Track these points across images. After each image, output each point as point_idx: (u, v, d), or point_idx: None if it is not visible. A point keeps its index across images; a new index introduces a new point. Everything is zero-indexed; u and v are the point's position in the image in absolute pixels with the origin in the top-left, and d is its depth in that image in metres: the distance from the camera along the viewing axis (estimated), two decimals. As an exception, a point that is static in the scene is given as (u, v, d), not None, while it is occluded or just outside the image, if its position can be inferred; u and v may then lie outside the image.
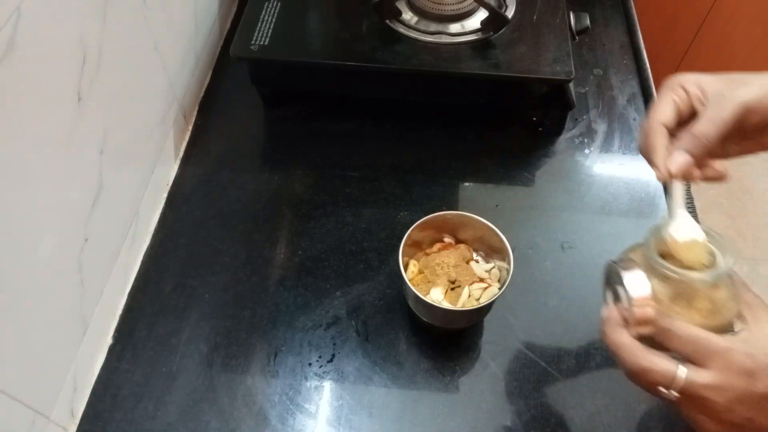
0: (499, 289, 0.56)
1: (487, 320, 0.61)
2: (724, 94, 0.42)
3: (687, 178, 0.44)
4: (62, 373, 0.53)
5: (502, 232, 0.56)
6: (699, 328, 0.38)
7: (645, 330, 0.40)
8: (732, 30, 1.49)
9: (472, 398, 0.57)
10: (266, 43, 0.70)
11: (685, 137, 0.43)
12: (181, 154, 0.75)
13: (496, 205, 0.70)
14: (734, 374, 0.37)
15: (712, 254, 0.42)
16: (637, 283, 0.40)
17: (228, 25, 0.89)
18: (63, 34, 0.48)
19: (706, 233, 0.42)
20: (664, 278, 0.41)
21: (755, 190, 1.69)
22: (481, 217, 0.57)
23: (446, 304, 0.55)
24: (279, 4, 0.74)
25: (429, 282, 0.57)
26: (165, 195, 0.71)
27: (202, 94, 0.81)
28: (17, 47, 0.42)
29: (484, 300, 0.56)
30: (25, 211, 0.45)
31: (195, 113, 0.79)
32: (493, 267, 0.59)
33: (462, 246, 0.60)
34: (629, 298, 0.40)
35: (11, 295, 0.44)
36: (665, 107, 0.44)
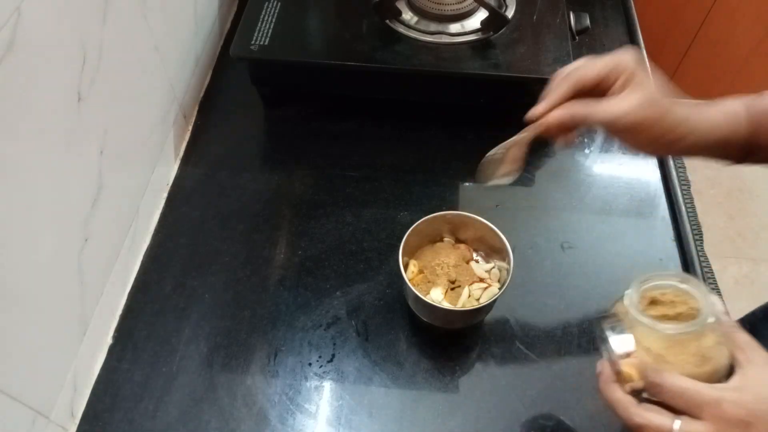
0: (499, 289, 0.56)
1: (487, 320, 0.61)
2: (649, 100, 0.45)
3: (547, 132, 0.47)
4: (62, 373, 0.53)
5: (502, 232, 0.56)
6: (688, 378, 0.38)
7: (636, 385, 0.40)
8: (732, 30, 1.49)
9: (472, 398, 0.57)
10: (266, 43, 0.70)
11: (585, 108, 0.46)
12: (181, 154, 0.75)
13: (496, 205, 0.70)
14: (728, 425, 0.37)
15: (696, 300, 0.42)
16: (620, 340, 0.41)
17: (228, 25, 0.89)
18: (63, 34, 0.48)
19: (687, 281, 0.43)
20: (652, 330, 0.41)
21: (755, 190, 1.69)
22: (481, 217, 0.57)
23: (446, 304, 0.55)
24: (279, 4, 0.74)
25: (429, 282, 0.57)
26: (165, 195, 0.71)
27: (202, 94, 0.81)
28: (17, 47, 0.42)
29: (484, 300, 0.56)
30: (25, 211, 0.45)
31: (195, 113, 0.79)
32: (493, 267, 0.59)
33: (462, 246, 0.60)
34: (614, 355, 0.41)
35: (11, 296, 0.44)
36: (595, 70, 0.46)
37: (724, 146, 0.48)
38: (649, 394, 0.40)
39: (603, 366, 0.42)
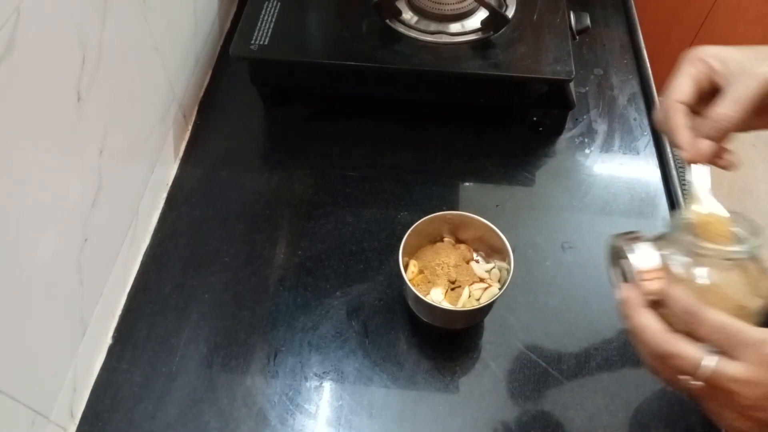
0: (500, 289, 0.56)
1: (487, 320, 0.61)
2: (747, 69, 0.40)
3: (710, 162, 0.42)
4: (62, 374, 0.53)
5: (502, 232, 0.56)
6: (730, 316, 0.35)
7: (665, 312, 0.36)
8: (732, 30, 1.49)
9: (472, 398, 0.57)
10: (266, 43, 0.70)
11: (708, 122, 0.41)
12: (181, 154, 0.75)
13: (496, 205, 0.70)
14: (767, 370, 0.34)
15: (740, 235, 0.38)
16: (643, 255, 0.36)
17: (228, 25, 0.89)
18: (63, 34, 0.48)
19: (734, 213, 0.40)
20: (693, 259, 0.37)
21: (755, 190, 1.69)
22: (481, 217, 0.57)
23: (446, 305, 0.55)
24: (279, 3, 0.74)
25: (429, 282, 0.57)
26: (165, 195, 0.71)
27: (201, 94, 0.81)
28: (17, 47, 0.42)
29: (485, 300, 0.56)
30: (25, 211, 0.45)
31: (195, 113, 0.79)
32: (494, 267, 0.59)
33: (462, 246, 0.60)
34: (636, 272, 0.36)
35: (11, 295, 0.44)
36: (684, 83, 0.42)
37: None
38: (683, 324, 0.36)
39: (628, 290, 0.38)
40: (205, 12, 0.80)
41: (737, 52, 0.42)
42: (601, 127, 0.78)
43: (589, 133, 0.77)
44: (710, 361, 0.35)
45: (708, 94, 0.43)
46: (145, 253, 0.66)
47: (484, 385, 0.57)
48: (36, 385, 0.49)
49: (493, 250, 0.59)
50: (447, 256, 0.58)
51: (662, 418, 0.56)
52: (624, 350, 0.59)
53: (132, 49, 0.60)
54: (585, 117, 0.79)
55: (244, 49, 0.70)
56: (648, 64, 0.84)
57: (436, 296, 0.56)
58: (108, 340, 0.60)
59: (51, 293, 0.50)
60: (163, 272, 0.65)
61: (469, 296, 0.56)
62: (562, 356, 0.59)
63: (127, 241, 0.62)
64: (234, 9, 0.91)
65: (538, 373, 0.58)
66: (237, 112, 0.79)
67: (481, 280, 0.57)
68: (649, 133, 0.77)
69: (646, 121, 0.78)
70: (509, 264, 0.55)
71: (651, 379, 0.58)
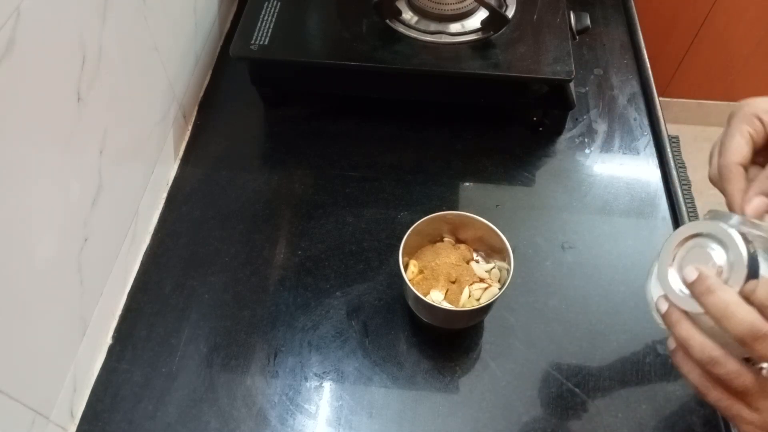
0: (500, 289, 0.56)
1: (487, 320, 0.61)
2: None
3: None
4: (62, 374, 0.53)
5: (502, 232, 0.56)
6: None
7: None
8: (732, 30, 1.49)
9: (472, 398, 0.57)
10: (266, 43, 0.70)
11: (763, 180, 0.40)
12: (181, 153, 0.75)
13: (496, 205, 0.70)
14: None
15: None
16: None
17: (228, 25, 0.89)
18: (63, 34, 0.48)
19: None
20: None
21: (755, 190, 1.68)
22: (481, 217, 0.57)
23: (446, 305, 0.55)
24: (279, 3, 0.74)
25: (429, 282, 0.57)
26: (165, 195, 0.71)
27: (201, 94, 0.81)
28: (17, 47, 0.42)
29: (485, 300, 0.56)
30: (25, 211, 0.45)
31: (195, 113, 0.79)
32: (494, 267, 0.59)
33: (462, 246, 0.60)
34: (743, 267, 0.33)
35: (11, 296, 0.44)
36: (740, 143, 0.41)
37: None
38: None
39: (707, 270, 0.35)
40: (205, 12, 0.80)
41: None
42: (601, 127, 0.78)
43: (589, 133, 0.77)
44: None
45: (762, 149, 0.42)
46: (145, 253, 0.66)
47: (484, 386, 0.57)
48: (36, 385, 0.49)
49: (493, 250, 0.59)
50: (447, 256, 0.58)
51: (662, 418, 0.56)
52: (623, 350, 0.59)
53: (132, 49, 0.60)
54: (585, 117, 0.79)
55: (244, 49, 0.70)
56: (648, 64, 0.84)
57: (436, 296, 0.56)
58: (108, 340, 0.60)
59: (51, 293, 0.50)
60: (163, 272, 0.65)
61: (469, 296, 0.56)
62: (562, 356, 0.59)
63: (127, 241, 0.62)
64: (234, 9, 0.91)
65: (537, 374, 0.58)
66: (237, 112, 0.79)
67: (481, 280, 0.57)
68: (649, 133, 0.77)
69: (646, 121, 0.78)
70: (509, 264, 0.55)
71: (650, 379, 0.58)
